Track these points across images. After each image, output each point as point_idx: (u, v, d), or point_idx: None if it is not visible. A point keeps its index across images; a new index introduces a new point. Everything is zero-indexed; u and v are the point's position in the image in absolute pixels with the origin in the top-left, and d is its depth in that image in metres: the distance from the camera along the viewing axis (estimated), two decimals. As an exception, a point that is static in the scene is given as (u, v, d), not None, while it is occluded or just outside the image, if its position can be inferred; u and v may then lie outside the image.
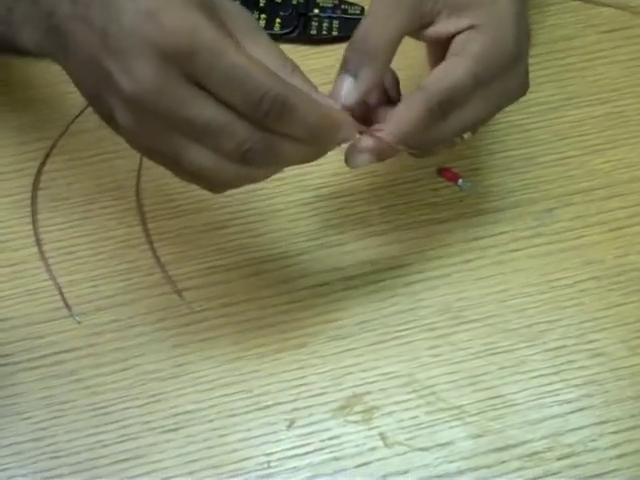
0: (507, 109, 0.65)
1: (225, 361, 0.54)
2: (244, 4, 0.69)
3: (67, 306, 0.57)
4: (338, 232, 0.60)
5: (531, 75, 0.68)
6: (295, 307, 0.57)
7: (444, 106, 0.50)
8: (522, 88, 0.55)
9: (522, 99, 0.65)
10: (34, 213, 0.60)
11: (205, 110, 0.44)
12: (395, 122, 0.49)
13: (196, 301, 0.57)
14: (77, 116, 0.65)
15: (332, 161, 0.63)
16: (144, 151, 0.48)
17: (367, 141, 0.49)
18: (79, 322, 0.56)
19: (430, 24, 0.51)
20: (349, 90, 0.49)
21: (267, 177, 0.49)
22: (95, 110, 0.48)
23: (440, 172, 0.62)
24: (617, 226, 0.60)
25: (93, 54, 0.45)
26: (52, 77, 0.67)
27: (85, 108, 0.65)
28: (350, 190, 0.62)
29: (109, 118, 0.46)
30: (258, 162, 0.46)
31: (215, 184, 0.48)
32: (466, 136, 0.54)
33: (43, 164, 0.63)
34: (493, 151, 0.63)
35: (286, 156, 0.47)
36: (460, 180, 0.62)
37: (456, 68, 0.50)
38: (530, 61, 0.67)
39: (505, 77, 0.52)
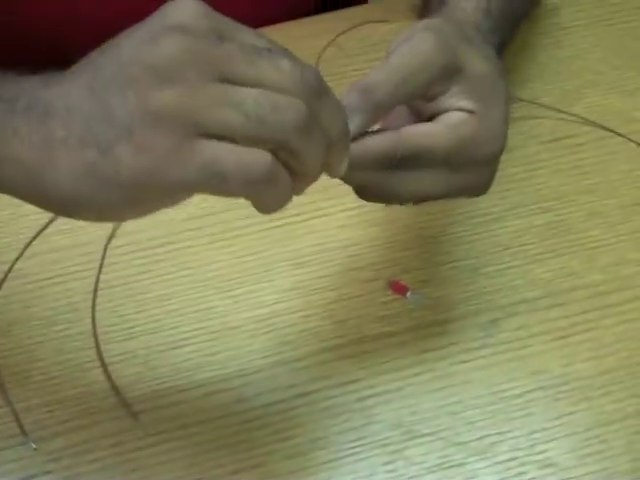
0: (452, 220, 0.68)
1: (182, 484, 0.55)
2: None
3: (23, 432, 0.57)
4: (293, 348, 0.61)
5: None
6: (250, 426, 0.57)
7: (406, 160, 0.50)
8: (484, 188, 0.55)
9: (466, 210, 0.68)
10: (-10, 339, 0.61)
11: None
12: (361, 143, 0.49)
13: (151, 424, 0.57)
14: (30, 243, 0.66)
15: (286, 277, 0.65)
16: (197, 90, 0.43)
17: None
18: (35, 449, 0.56)
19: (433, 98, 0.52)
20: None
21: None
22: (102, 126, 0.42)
23: (390, 285, 0.64)
24: (560, 335, 0.61)
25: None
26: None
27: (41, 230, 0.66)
28: (303, 305, 0.63)
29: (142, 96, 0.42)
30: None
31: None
32: (404, 204, 0.54)
33: (-1, 289, 0.64)
34: (440, 263, 0.65)
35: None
36: (409, 293, 0.63)
37: (439, 136, 0.51)
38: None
39: (474, 171, 0.53)
